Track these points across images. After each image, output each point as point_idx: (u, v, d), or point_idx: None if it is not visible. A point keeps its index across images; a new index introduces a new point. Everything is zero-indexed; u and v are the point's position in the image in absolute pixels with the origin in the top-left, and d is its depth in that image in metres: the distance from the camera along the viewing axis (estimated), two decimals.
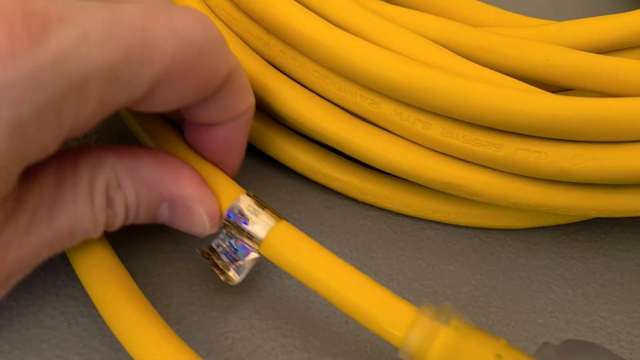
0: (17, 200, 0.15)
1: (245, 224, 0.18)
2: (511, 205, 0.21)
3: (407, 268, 0.22)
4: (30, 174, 0.16)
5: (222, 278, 0.18)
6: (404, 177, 0.21)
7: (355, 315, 0.17)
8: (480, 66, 0.20)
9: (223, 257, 0.18)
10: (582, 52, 0.21)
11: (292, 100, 0.21)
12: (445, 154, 0.20)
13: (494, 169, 0.20)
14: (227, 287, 0.20)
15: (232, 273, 0.18)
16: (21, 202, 0.15)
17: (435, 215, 0.23)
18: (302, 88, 0.21)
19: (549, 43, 0.21)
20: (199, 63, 0.15)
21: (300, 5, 0.21)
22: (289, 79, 0.22)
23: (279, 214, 0.18)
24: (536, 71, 0.21)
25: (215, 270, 0.18)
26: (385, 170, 0.21)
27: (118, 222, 0.18)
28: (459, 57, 0.20)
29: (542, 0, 0.33)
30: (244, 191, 0.19)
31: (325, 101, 0.21)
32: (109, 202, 0.17)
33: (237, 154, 0.20)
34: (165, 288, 0.20)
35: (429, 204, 0.23)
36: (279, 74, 0.22)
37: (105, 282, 0.18)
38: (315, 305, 0.21)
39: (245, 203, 0.18)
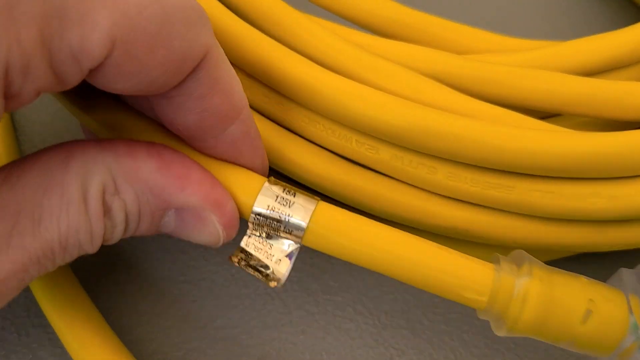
0: None
1: (279, 220, 0.16)
2: (521, 247, 0.20)
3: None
4: (9, 176, 0.14)
5: (266, 282, 0.16)
6: (407, 224, 0.20)
7: (430, 286, 0.15)
8: (481, 102, 0.19)
9: (259, 256, 0.16)
10: (584, 79, 0.20)
11: (281, 148, 0.19)
12: (452, 198, 0.19)
13: (504, 210, 0.19)
14: (183, 294, 0.20)
15: (275, 273, 0.16)
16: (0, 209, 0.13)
17: None
18: (290, 134, 0.20)
19: (547, 69, 0.20)
20: (167, 30, 0.13)
21: (283, 46, 0.19)
22: (275, 125, 0.20)
23: (310, 194, 0.16)
24: (537, 100, 0.20)
25: (255, 275, 0.16)
26: (387, 218, 0.20)
27: (117, 234, 0.15)
28: (457, 92, 0.19)
29: (529, 17, 0.32)
30: (265, 179, 0.16)
31: (317, 147, 0.19)
32: (106, 210, 0.15)
33: (251, 156, 0.17)
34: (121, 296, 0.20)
35: None
36: (264, 119, 0.20)
37: (56, 292, 0.17)
38: (272, 314, 0.20)
39: (272, 195, 0.16)
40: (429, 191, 0.19)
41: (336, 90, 0.18)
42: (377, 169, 0.19)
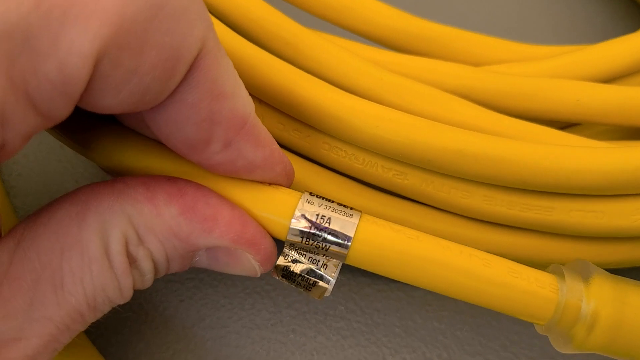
0: (5, 278, 0.12)
1: (318, 243, 0.14)
2: None
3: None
4: (22, 241, 0.12)
5: (310, 294, 0.15)
6: None
7: (485, 303, 0.14)
8: (510, 118, 0.18)
9: (303, 261, 0.15)
10: (611, 87, 0.19)
11: (301, 178, 0.18)
12: (488, 222, 0.18)
13: (542, 232, 0.18)
14: (170, 294, 0.19)
15: (320, 284, 0.15)
16: (12, 281, 0.12)
17: None
18: (310, 163, 0.18)
19: (570, 77, 0.19)
20: (155, 27, 0.11)
21: (296, 68, 0.17)
22: (292, 154, 0.18)
23: (350, 207, 0.15)
24: (565, 112, 0.19)
25: (299, 289, 0.15)
26: None
27: (148, 281, 0.14)
28: (484, 109, 0.18)
29: (527, 20, 0.31)
30: (300, 195, 0.14)
31: (340, 175, 0.18)
32: (132, 261, 0.14)
33: (268, 167, 0.15)
34: None
35: None
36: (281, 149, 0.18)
37: None
38: (262, 313, 0.20)
39: (309, 213, 0.14)
40: (463, 216, 0.18)
41: (358, 113, 0.16)
42: (407, 196, 0.18)
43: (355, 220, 0.14)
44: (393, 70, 0.18)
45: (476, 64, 0.20)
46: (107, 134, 0.16)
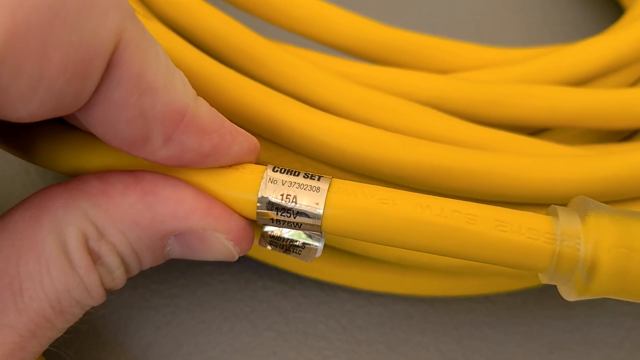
0: None
1: (290, 221, 0.13)
2: None
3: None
4: None
5: (301, 257, 0.14)
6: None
7: (479, 257, 0.13)
8: (486, 128, 0.17)
9: (287, 233, 0.14)
10: (586, 91, 0.19)
11: None
12: None
13: None
14: (146, 321, 0.19)
15: (310, 244, 0.14)
16: None
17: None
18: None
19: (541, 81, 0.19)
20: (59, 26, 0.10)
21: (262, 85, 0.17)
22: None
23: (317, 175, 0.14)
24: (539, 119, 0.19)
25: (289, 253, 0.14)
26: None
27: (119, 278, 0.14)
28: (458, 120, 0.18)
29: (500, 20, 0.30)
30: (264, 168, 0.14)
31: None
32: (95, 258, 0.13)
33: (222, 150, 0.14)
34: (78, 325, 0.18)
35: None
36: None
37: None
38: (241, 337, 0.19)
39: (274, 186, 0.13)
40: None
41: (326, 131, 0.16)
42: None
43: (323, 193, 0.13)
44: (362, 82, 0.18)
45: (447, 71, 0.20)
46: (47, 136, 0.14)
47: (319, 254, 0.14)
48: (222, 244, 0.14)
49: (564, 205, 0.14)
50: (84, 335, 0.19)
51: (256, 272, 0.20)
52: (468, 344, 0.19)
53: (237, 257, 0.14)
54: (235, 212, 0.14)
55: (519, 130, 0.18)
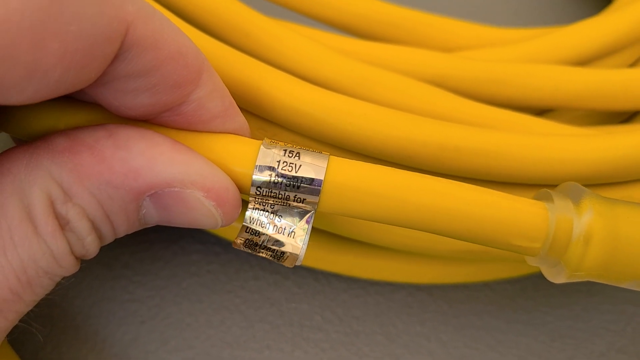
0: None
1: (287, 188, 0.13)
2: None
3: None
4: None
5: (281, 261, 0.13)
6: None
7: (473, 237, 0.13)
8: (491, 107, 0.17)
9: (267, 232, 0.13)
10: (589, 70, 0.18)
11: None
12: None
13: None
14: (129, 315, 0.18)
15: (290, 249, 0.13)
16: None
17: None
18: None
19: (544, 61, 0.19)
20: (54, 17, 0.10)
21: (257, 60, 0.16)
22: None
23: (316, 151, 0.13)
24: (542, 98, 0.18)
25: (266, 256, 0.13)
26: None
27: (91, 245, 0.12)
28: (463, 99, 0.17)
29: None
30: (261, 142, 0.13)
31: None
32: (63, 223, 0.12)
33: (228, 117, 0.13)
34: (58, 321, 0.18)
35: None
36: None
37: None
38: (232, 330, 0.18)
39: (273, 159, 0.13)
40: None
41: (327, 109, 0.15)
42: None
43: (324, 162, 0.13)
44: (362, 59, 0.17)
45: (446, 49, 0.19)
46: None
47: (298, 261, 0.13)
48: (202, 204, 0.12)
49: None
50: (62, 331, 0.18)
51: (246, 261, 0.19)
52: (469, 333, 0.19)
53: (220, 224, 0.13)
54: (228, 175, 0.13)
55: (521, 111, 0.18)
